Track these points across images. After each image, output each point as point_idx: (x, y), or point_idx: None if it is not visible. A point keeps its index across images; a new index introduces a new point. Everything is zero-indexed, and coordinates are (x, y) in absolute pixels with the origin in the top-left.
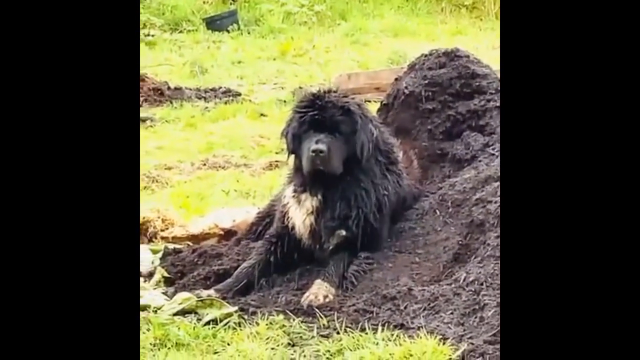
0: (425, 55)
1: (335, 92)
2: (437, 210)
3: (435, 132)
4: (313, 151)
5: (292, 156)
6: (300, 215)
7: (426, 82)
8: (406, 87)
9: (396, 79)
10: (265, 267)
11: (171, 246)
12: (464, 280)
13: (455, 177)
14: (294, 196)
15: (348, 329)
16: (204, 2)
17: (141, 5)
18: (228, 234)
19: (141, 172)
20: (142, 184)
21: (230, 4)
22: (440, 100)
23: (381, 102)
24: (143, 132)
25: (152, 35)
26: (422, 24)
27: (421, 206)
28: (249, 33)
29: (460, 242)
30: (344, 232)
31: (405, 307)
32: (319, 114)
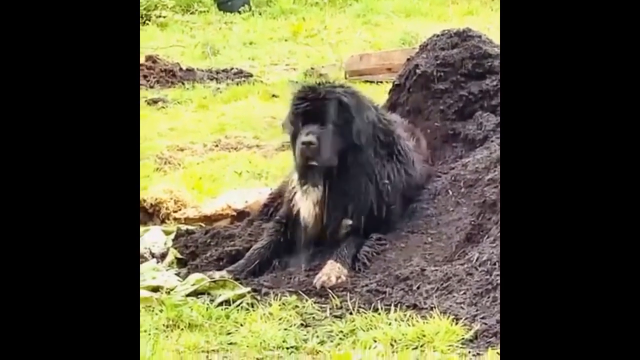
0: (437, 36)
1: (330, 83)
2: (449, 191)
3: (448, 112)
4: (303, 143)
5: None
6: (306, 205)
7: (438, 62)
8: (418, 68)
9: (408, 60)
10: (276, 248)
11: (184, 227)
12: (477, 260)
13: (468, 157)
14: (299, 183)
15: (361, 310)
16: None
17: None
18: (240, 215)
19: (153, 154)
20: (154, 166)
21: None
22: (452, 81)
23: (393, 82)
24: (155, 114)
25: (164, 17)
26: (434, 4)
27: (433, 186)
28: (260, 14)
29: (472, 222)
30: (349, 222)
31: (418, 288)
32: (310, 106)
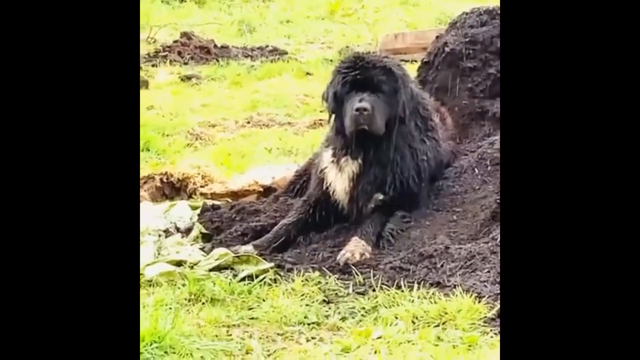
0: (467, 13)
1: (375, 53)
2: (475, 169)
3: (476, 90)
4: (357, 109)
5: (332, 119)
6: (341, 180)
7: (467, 40)
8: (447, 45)
9: (437, 37)
10: (303, 226)
11: (210, 202)
12: None
13: (495, 136)
14: (333, 161)
15: (384, 287)
16: None
17: None
18: (267, 190)
19: (185, 129)
20: (185, 141)
21: None
22: (481, 59)
23: (422, 60)
24: (188, 90)
25: None
26: None
27: (460, 164)
28: None
29: (498, 201)
30: (381, 196)
31: (442, 265)
32: (360, 74)
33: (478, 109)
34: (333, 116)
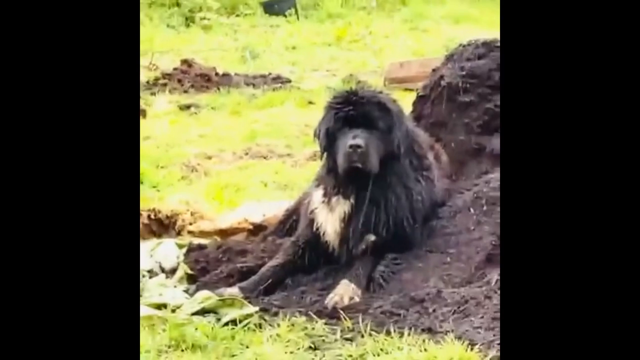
0: (464, 46)
1: (369, 87)
2: (471, 208)
3: (473, 125)
4: (350, 146)
5: (324, 157)
6: (332, 221)
7: (464, 73)
8: (443, 79)
9: (433, 70)
10: (291, 268)
11: (196, 242)
12: (496, 282)
13: (492, 174)
14: (324, 201)
15: (373, 333)
16: None
17: None
18: (257, 228)
19: (180, 161)
20: (180, 174)
21: None
22: (479, 93)
23: (417, 93)
24: (186, 119)
25: (208, 19)
26: (485, 10)
27: (455, 203)
28: (306, 17)
29: (493, 243)
30: (373, 237)
31: (434, 310)
32: (354, 110)
33: (475, 145)
34: (325, 154)
